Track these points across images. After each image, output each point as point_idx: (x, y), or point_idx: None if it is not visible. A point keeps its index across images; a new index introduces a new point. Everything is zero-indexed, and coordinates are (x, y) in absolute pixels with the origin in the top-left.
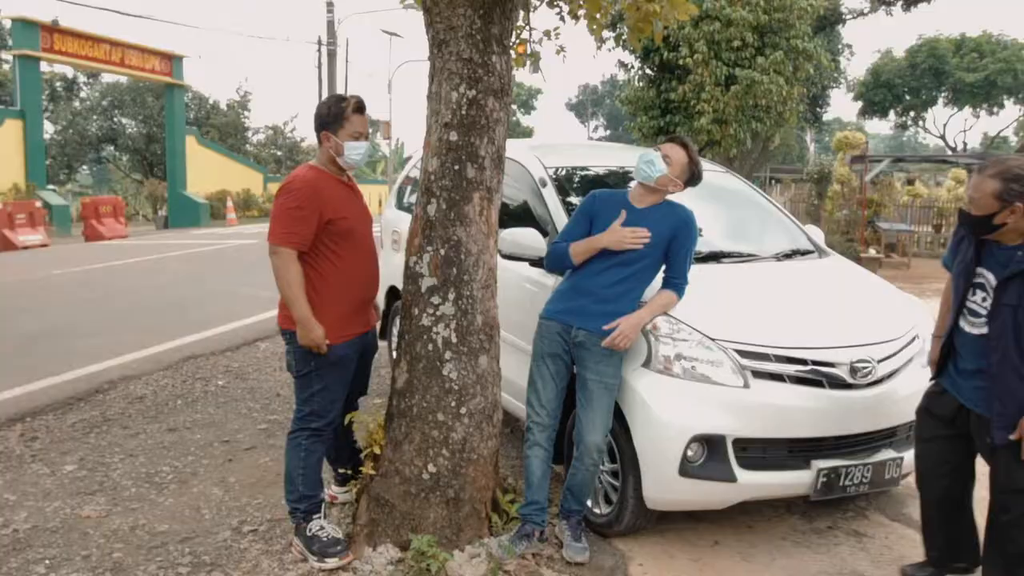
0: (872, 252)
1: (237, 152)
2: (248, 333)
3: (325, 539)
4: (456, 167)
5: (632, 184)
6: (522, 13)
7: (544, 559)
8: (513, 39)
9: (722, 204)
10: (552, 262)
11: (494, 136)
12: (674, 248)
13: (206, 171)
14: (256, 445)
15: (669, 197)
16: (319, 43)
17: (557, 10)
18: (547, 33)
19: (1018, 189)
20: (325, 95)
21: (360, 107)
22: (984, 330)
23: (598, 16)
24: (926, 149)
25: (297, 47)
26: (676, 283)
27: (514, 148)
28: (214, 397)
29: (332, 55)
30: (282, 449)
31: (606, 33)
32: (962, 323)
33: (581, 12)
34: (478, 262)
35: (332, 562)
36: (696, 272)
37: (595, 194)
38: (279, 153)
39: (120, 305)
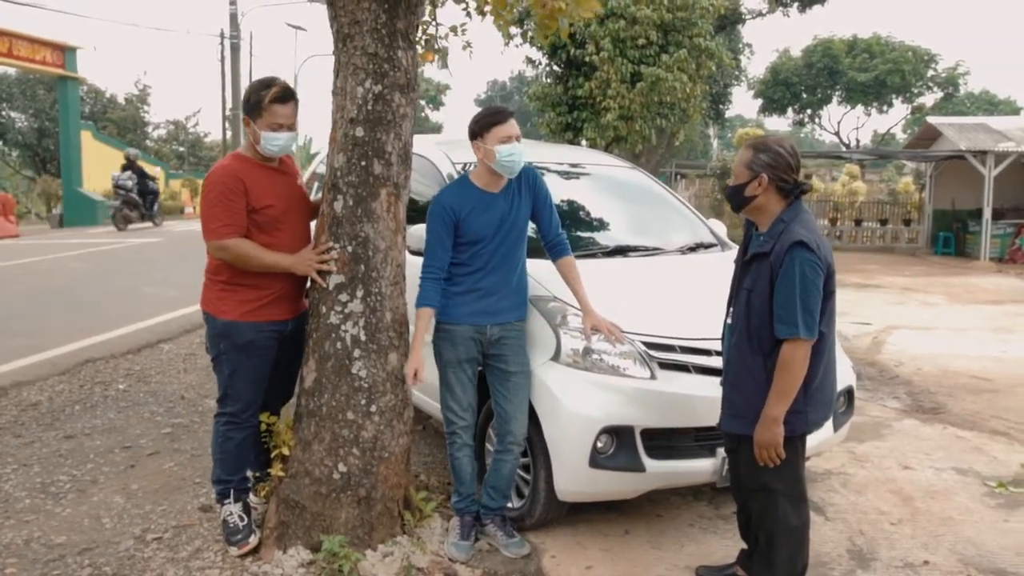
0: None
1: (137, 148)
2: (150, 335)
3: (231, 526)
4: (363, 163)
5: (470, 171)
6: (428, 8)
7: None
8: (420, 34)
9: (627, 199)
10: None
11: (401, 132)
12: (537, 207)
13: (104, 167)
14: (160, 450)
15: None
16: (222, 36)
17: (464, 6)
18: (453, 29)
19: (764, 159)
20: (229, 90)
21: (280, 98)
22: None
23: (503, 12)
24: (822, 146)
25: (199, 40)
26: (561, 242)
27: (421, 144)
28: (115, 402)
29: (236, 48)
30: (188, 454)
31: (513, 29)
32: (728, 318)
33: (487, 8)
34: (386, 259)
35: (233, 551)
36: (603, 265)
37: (442, 203)
38: (181, 148)
39: (11, 308)
